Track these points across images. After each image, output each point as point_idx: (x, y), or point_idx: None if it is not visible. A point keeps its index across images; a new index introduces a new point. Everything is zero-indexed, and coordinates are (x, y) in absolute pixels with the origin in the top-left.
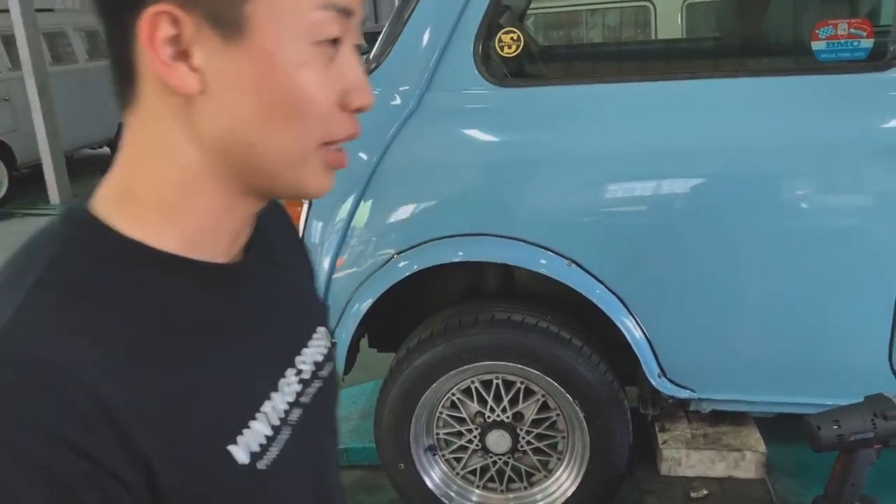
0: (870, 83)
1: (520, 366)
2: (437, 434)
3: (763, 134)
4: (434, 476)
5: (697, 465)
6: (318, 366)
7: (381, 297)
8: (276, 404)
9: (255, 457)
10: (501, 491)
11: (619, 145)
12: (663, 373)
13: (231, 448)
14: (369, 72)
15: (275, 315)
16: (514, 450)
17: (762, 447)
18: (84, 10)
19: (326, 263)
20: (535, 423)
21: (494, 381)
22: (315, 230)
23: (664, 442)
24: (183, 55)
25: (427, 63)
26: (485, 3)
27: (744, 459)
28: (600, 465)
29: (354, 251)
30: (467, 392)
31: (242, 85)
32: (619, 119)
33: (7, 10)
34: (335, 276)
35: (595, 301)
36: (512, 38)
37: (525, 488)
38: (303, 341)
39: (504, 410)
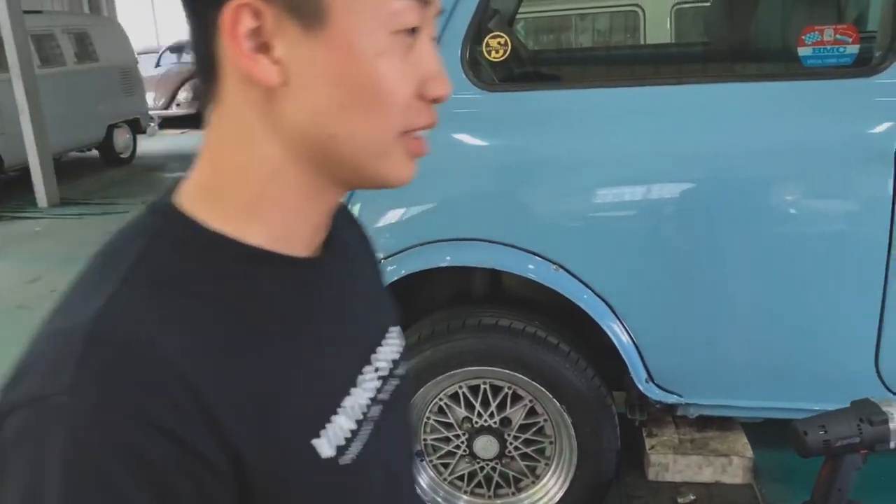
0: (856, 89)
1: (507, 371)
2: (425, 439)
3: (749, 139)
4: (421, 482)
5: (685, 471)
6: (395, 364)
7: None
8: (357, 400)
9: (338, 451)
10: (489, 497)
11: (607, 150)
12: (651, 378)
13: (315, 442)
14: None
15: (353, 311)
16: (501, 455)
17: (749, 452)
18: (72, 13)
19: None
20: (523, 428)
21: (482, 387)
22: None
23: (651, 447)
24: (264, 48)
25: None
26: (472, 8)
27: (731, 465)
28: (588, 470)
29: None
30: (454, 397)
31: (323, 76)
32: (607, 124)
33: None
34: None
35: (582, 306)
36: (500, 43)
37: (513, 494)
38: (378, 339)
39: (491, 416)
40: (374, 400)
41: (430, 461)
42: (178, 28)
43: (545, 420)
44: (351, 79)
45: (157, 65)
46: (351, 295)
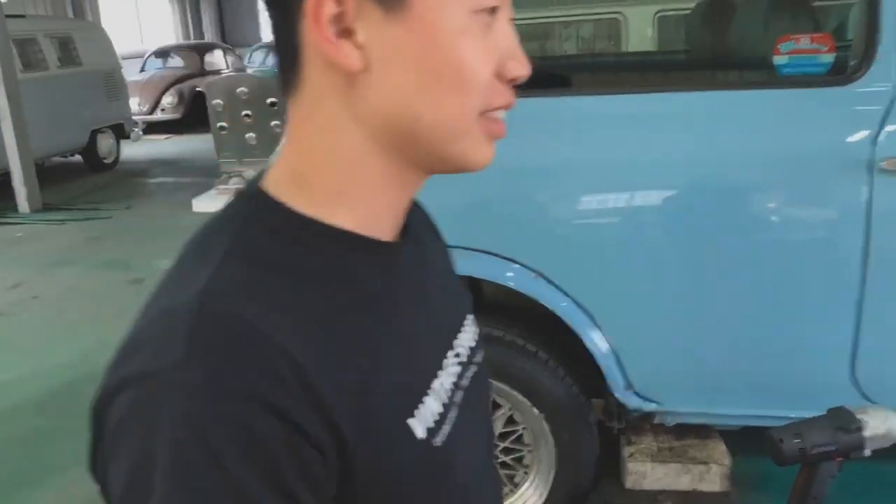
0: (832, 97)
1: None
2: None
3: (726, 148)
4: None
5: (663, 479)
6: (473, 351)
7: None
8: (443, 382)
9: (430, 433)
10: None
11: (585, 157)
12: (630, 385)
13: (410, 422)
14: None
15: (434, 297)
16: None
17: (727, 460)
18: (55, 17)
19: None
20: (502, 436)
21: None
22: None
23: (630, 455)
24: (346, 33)
25: None
26: None
27: (709, 472)
28: (566, 478)
29: None
30: None
31: (405, 58)
32: (584, 131)
33: None
34: None
35: (560, 314)
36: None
37: None
38: (458, 325)
39: None
40: (456, 385)
41: None
42: (163, 33)
43: (524, 428)
44: (433, 60)
45: (142, 69)
46: (431, 280)
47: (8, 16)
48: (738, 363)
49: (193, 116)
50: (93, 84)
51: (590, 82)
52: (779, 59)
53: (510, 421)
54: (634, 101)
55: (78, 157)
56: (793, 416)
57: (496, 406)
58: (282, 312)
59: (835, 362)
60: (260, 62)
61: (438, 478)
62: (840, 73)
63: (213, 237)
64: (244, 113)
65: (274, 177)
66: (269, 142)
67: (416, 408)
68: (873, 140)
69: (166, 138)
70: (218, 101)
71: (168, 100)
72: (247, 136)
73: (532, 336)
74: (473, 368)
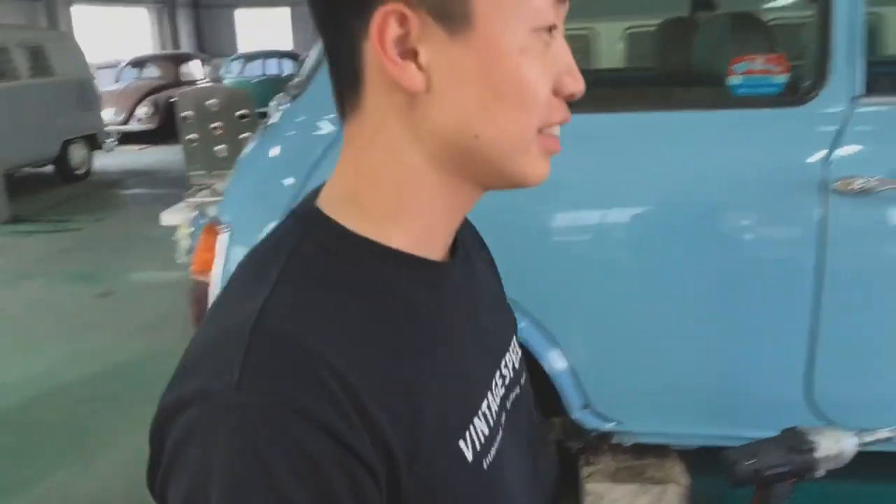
0: (785, 118)
1: None
2: None
3: (681, 168)
4: None
5: (621, 499)
6: (517, 373)
7: None
8: (491, 404)
9: (478, 455)
10: None
11: None
12: (587, 405)
13: (461, 444)
14: (293, 98)
15: (483, 317)
16: None
17: (685, 480)
18: (27, 27)
19: None
20: None
21: None
22: (238, 255)
23: (588, 475)
24: (409, 54)
25: None
26: None
27: (666, 493)
28: None
29: None
30: None
31: (467, 77)
32: None
33: None
34: None
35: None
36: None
37: None
38: (505, 346)
39: None
40: (501, 407)
41: None
42: (141, 43)
43: None
44: (496, 78)
45: (118, 79)
46: (479, 299)
47: None
48: (695, 382)
49: (169, 127)
50: (65, 94)
51: None
52: (733, 80)
53: None
54: (590, 120)
55: (50, 168)
56: (750, 435)
57: None
58: (336, 333)
59: (790, 382)
60: (237, 72)
61: (485, 501)
62: (793, 94)
63: (269, 256)
64: (214, 125)
65: (328, 196)
66: (239, 154)
67: (467, 429)
68: (826, 160)
69: (141, 149)
70: (187, 112)
71: (143, 110)
72: (216, 148)
73: None
74: (517, 391)
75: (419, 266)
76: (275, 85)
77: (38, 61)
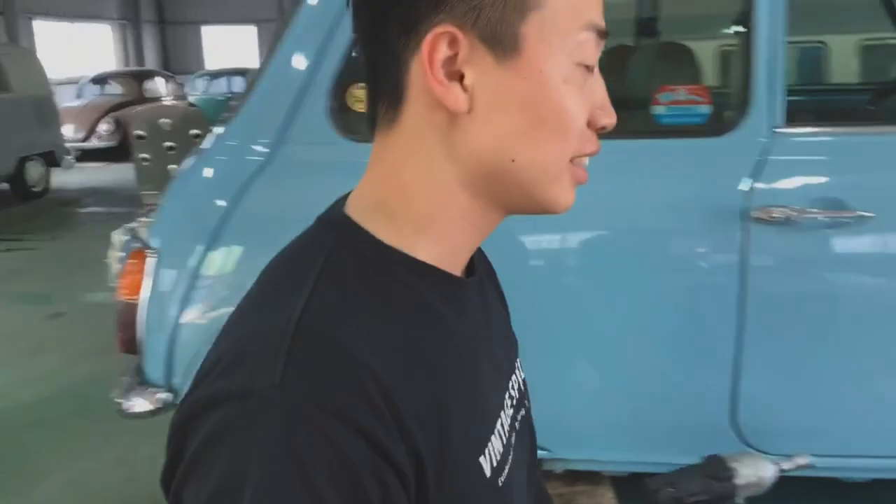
0: (708, 148)
1: None
2: None
3: (606, 198)
4: None
5: None
6: (522, 394)
7: None
8: (504, 423)
9: (494, 472)
10: None
11: None
12: None
13: (481, 460)
14: (225, 122)
15: (496, 337)
16: None
17: None
18: None
19: (174, 312)
20: None
21: None
22: (166, 278)
23: None
24: (455, 75)
25: (283, 116)
26: (339, 58)
27: None
28: None
29: (204, 302)
30: None
31: (510, 102)
32: None
33: None
34: (183, 324)
35: None
36: (365, 94)
37: None
38: (512, 367)
39: None
40: (510, 427)
41: None
42: (103, 59)
43: None
44: (538, 105)
45: (79, 96)
46: (492, 319)
47: None
48: (623, 410)
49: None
50: (22, 110)
51: None
52: (657, 109)
53: None
54: None
55: (4, 185)
56: (681, 462)
57: None
58: (377, 341)
59: (717, 409)
60: (202, 90)
61: None
62: (717, 124)
63: (301, 260)
64: (167, 144)
65: (357, 204)
66: None
67: (486, 446)
68: (748, 190)
69: (101, 166)
70: (140, 131)
71: (104, 127)
72: (169, 167)
73: None
74: (522, 412)
75: (445, 281)
76: None
77: None
